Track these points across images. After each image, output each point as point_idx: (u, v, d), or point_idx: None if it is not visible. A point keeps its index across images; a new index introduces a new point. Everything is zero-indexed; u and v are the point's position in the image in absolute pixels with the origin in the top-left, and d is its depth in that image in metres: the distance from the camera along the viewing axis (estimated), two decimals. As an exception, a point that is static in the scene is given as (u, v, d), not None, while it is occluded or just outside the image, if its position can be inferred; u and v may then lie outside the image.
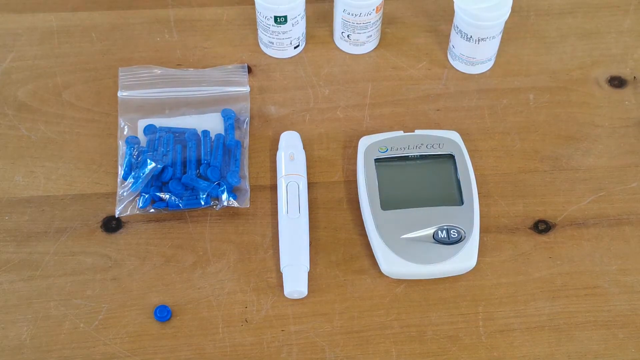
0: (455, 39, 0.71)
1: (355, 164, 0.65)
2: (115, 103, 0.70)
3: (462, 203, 0.61)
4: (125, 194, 0.63)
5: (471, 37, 0.69)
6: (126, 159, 0.64)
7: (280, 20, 0.70)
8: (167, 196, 0.62)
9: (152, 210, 0.62)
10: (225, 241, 0.62)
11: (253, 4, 0.72)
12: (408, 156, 0.64)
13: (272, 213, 0.63)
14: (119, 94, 0.69)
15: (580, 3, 0.79)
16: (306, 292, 0.58)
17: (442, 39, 0.76)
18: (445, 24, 0.77)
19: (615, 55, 0.75)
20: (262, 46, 0.74)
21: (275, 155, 0.66)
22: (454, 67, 0.74)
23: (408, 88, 0.72)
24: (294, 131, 0.66)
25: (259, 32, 0.73)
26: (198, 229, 0.63)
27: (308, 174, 0.65)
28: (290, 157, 0.63)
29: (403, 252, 0.59)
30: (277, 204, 0.63)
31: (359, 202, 0.63)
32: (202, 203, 0.62)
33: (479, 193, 0.62)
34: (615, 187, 0.65)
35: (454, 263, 0.59)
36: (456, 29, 0.70)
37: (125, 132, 0.67)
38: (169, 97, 0.70)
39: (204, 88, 0.70)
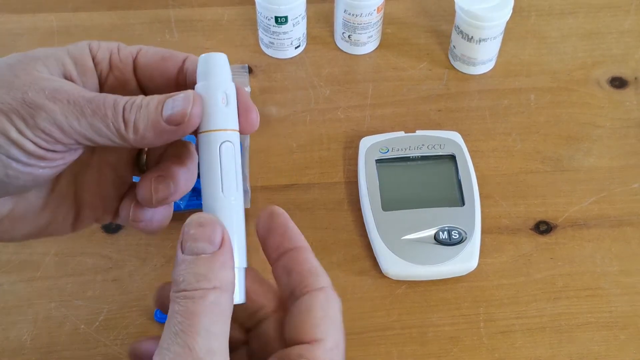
0: (456, 40, 0.71)
1: (356, 164, 0.65)
2: (115, 103, 0.69)
3: (463, 204, 0.61)
4: (125, 194, 0.62)
5: (472, 37, 0.69)
6: (127, 160, 0.64)
7: (281, 20, 0.70)
8: (168, 197, 0.61)
9: (152, 211, 0.62)
10: (226, 242, 0.62)
11: (254, 4, 0.72)
12: (409, 157, 0.64)
13: (272, 214, 0.63)
14: (120, 94, 0.69)
15: (581, 3, 0.79)
16: (243, 299, 0.38)
17: (443, 40, 0.76)
18: (446, 25, 0.77)
19: (616, 56, 0.75)
20: (262, 46, 0.74)
21: (275, 155, 0.65)
22: (454, 68, 0.73)
23: (409, 88, 0.72)
24: (220, 53, 0.39)
25: (260, 32, 0.73)
26: (199, 229, 0.62)
27: (308, 175, 0.65)
28: (223, 101, 0.38)
29: (404, 253, 0.59)
30: (276, 204, 0.62)
31: (360, 203, 0.63)
32: (203, 204, 0.61)
33: (480, 194, 0.62)
34: (617, 188, 0.65)
35: (455, 264, 0.58)
36: (457, 29, 0.70)
37: (125, 133, 0.67)
38: (169, 98, 0.69)
39: (204, 88, 0.70)
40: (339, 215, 0.63)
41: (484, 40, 0.69)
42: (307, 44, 0.75)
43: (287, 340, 0.36)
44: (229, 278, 0.35)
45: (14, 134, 0.35)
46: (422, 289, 0.59)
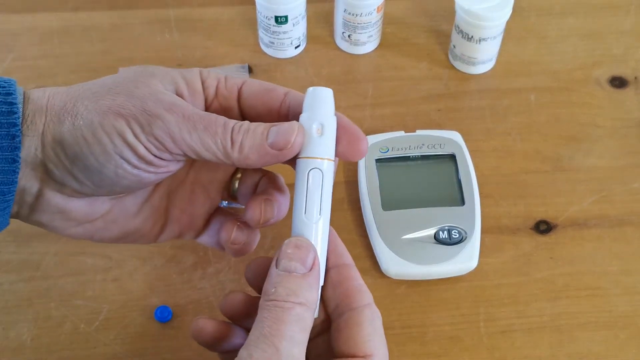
0: (456, 39, 0.71)
1: (356, 164, 0.65)
2: (115, 103, 0.69)
3: (464, 203, 0.61)
4: (125, 194, 0.62)
5: (472, 37, 0.69)
6: (127, 160, 0.64)
7: (281, 20, 0.70)
8: (168, 197, 0.62)
9: (152, 210, 0.62)
10: (226, 242, 0.62)
11: (253, 4, 0.72)
12: (409, 156, 0.64)
13: (273, 213, 0.63)
14: (120, 94, 0.69)
15: (581, 3, 0.79)
16: (317, 314, 0.42)
17: (443, 39, 0.76)
18: (446, 24, 0.77)
19: (617, 56, 0.75)
20: (262, 46, 0.74)
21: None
22: (455, 67, 0.73)
23: (409, 88, 0.72)
24: (326, 88, 0.43)
25: (260, 32, 0.73)
26: (199, 229, 0.62)
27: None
28: (318, 132, 0.42)
29: (404, 252, 0.59)
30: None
31: (360, 203, 0.63)
32: (203, 203, 0.62)
33: (480, 193, 0.62)
34: (617, 188, 0.65)
35: (455, 264, 0.58)
36: (457, 28, 0.70)
37: (125, 133, 0.67)
38: (169, 97, 0.69)
39: (204, 88, 0.70)
40: (339, 215, 0.63)
41: (484, 39, 0.69)
42: (307, 43, 0.75)
43: (337, 352, 0.40)
44: (313, 298, 0.39)
45: (130, 137, 0.38)
46: (422, 288, 0.59)
